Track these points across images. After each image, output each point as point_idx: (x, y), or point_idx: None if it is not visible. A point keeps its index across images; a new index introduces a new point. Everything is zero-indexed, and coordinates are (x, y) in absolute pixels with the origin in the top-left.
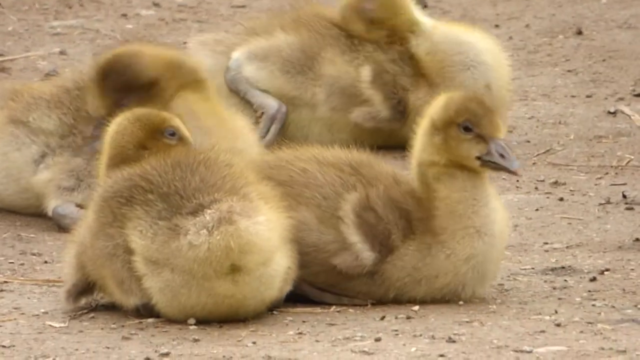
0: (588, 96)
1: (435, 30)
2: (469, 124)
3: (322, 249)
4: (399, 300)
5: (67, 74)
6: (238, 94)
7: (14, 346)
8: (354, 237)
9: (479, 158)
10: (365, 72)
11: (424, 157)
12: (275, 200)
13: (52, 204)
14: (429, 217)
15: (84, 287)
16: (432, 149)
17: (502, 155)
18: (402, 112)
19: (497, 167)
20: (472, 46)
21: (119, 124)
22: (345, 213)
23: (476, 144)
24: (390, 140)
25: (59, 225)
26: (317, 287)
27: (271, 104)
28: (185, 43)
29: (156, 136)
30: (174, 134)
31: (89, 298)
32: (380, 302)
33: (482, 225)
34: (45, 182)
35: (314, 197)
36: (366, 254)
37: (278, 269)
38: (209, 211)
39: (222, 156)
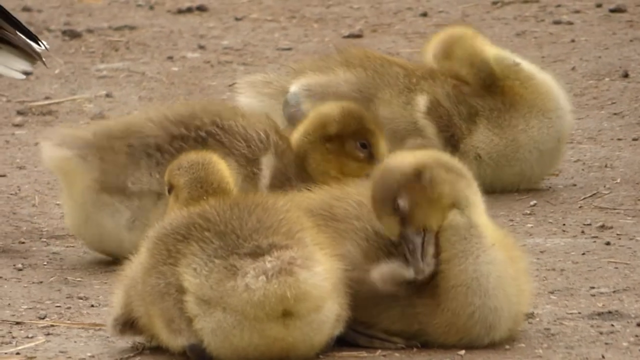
0: (634, 139)
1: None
2: None
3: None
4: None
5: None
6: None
7: None
8: (395, 258)
9: None
10: (422, 102)
11: None
12: (329, 247)
13: None
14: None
15: (126, 321)
16: None
17: None
18: (455, 146)
19: None
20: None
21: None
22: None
23: None
24: None
25: None
26: (353, 329)
27: None
28: (230, 85)
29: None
30: None
31: (132, 333)
32: (424, 346)
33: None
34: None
35: (365, 229)
36: (405, 271)
37: (329, 315)
38: (269, 258)
39: (280, 201)
